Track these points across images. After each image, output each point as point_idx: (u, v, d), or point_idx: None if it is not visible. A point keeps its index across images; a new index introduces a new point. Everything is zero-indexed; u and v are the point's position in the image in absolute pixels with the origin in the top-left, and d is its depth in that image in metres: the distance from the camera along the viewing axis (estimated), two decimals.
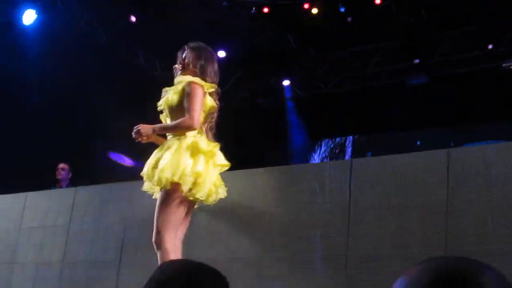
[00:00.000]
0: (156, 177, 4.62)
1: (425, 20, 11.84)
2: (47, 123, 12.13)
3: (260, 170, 5.54)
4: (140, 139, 4.86)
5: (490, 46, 11.99)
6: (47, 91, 11.99)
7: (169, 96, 4.88)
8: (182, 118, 4.74)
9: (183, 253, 4.67)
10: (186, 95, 4.77)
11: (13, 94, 11.70)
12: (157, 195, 4.75)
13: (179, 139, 4.76)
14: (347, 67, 13.95)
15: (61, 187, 9.83)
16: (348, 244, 4.74)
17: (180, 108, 4.78)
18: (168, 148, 4.73)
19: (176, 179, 4.56)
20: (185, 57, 5.04)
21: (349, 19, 11.74)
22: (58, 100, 12.18)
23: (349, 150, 14.29)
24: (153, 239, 4.59)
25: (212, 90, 4.94)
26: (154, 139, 4.97)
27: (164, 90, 5.03)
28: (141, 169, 4.84)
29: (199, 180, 4.65)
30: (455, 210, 4.40)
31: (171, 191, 4.60)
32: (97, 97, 12.32)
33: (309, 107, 14.34)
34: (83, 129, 12.40)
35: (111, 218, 6.07)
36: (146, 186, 4.88)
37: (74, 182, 9.81)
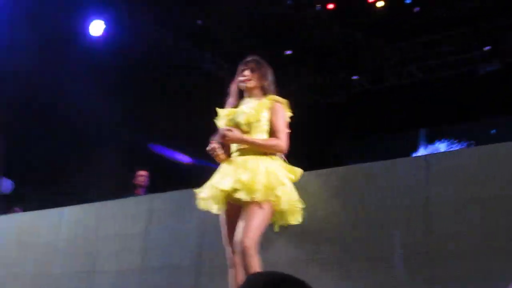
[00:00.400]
0: (259, 190, 4.70)
1: (492, 6, 11.56)
2: (119, 132, 12.34)
3: (334, 169, 5.47)
4: (223, 140, 4.95)
5: None
6: (117, 101, 12.17)
7: (251, 111, 4.94)
8: (274, 139, 4.91)
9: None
10: (274, 113, 4.95)
11: (89, 105, 11.90)
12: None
13: (270, 157, 4.91)
14: (416, 58, 13.76)
15: (139, 194, 9.89)
16: (429, 242, 4.64)
17: (260, 126, 4.92)
18: (258, 164, 4.81)
19: (280, 194, 4.77)
20: (254, 72, 5.09)
21: (416, 9, 11.55)
22: (129, 109, 12.38)
23: (422, 142, 14.07)
24: (246, 242, 4.61)
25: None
26: (228, 149, 5.05)
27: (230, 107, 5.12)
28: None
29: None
30: None
31: (268, 207, 4.76)
32: (165, 104, 12.45)
33: (379, 100, 14.18)
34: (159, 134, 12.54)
35: (188, 225, 6.08)
36: (240, 195, 4.77)
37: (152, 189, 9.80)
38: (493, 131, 13.35)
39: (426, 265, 4.59)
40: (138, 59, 12.33)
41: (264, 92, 5.08)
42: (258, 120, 4.91)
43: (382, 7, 11.71)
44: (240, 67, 5.16)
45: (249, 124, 4.92)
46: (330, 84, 14.61)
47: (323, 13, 12.32)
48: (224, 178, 4.84)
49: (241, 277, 4.71)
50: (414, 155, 13.52)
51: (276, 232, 5.09)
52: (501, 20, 11.90)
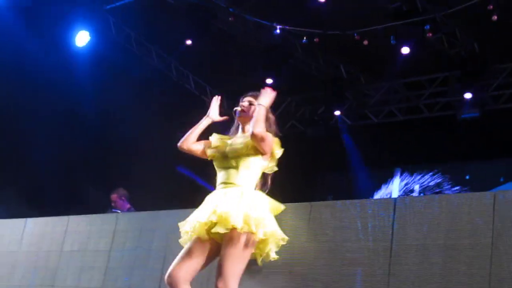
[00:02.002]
0: (237, 222, 4.52)
1: (478, 53, 11.68)
2: (98, 145, 12.31)
3: (305, 204, 5.47)
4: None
5: None
6: (102, 112, 12.17)
7: (240, 146, 4.86)
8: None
9: None
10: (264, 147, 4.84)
11: (68, 113, 11.89)
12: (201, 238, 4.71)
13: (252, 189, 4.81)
14: (398, 98, 13.85)
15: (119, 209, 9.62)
16: (390, 284, 4.64)
17: (247, 162, 4.81)
18: (239, 194, 4.69)
19: (261, 225, 4.62)
20: (251, 105, 5.01)
21: (402, 50, 11.62)
22: (110, 121, 12.36)
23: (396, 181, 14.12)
24: (220, 285, 4.45)
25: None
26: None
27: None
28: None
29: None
30: (500, 254, 4.28)
31: (248, 239, 4.57)
32: (145, 120, 12.44)
33: (359, 137, 14.23)
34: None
35: (154, 245, 6.05)
36: (216, 228, 4.59)
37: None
38: (467, 177, 13.41)
39: None
40: (120, 72, 12.32)
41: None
42: (246, 156, 4.81)
43: (368, 45, 11.75)
44: (241, 98, 5.10)
45: (236, 159, 4.82)
46: (310, 117, 14.64)
47: (309, 45, 12.36)
48: (204, 211, 4.71)
49: None
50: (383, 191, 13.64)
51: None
52: (484, 69, 11.99)
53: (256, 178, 4.88)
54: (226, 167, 4.86)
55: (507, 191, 4.44)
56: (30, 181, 12.02)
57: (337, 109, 13.98)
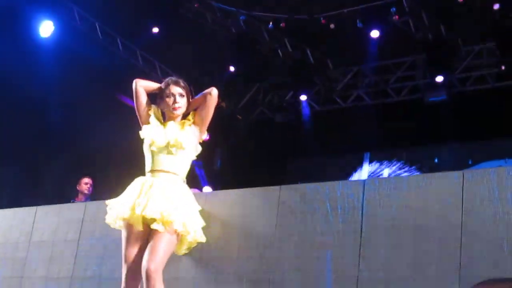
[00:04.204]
0: (175, 224, 4.87)
1: (444, 36, 11.72)
2: (65, 135, 12.19)
3: (274, 188, 5.45)
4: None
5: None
6: (68, 103, 12.04)
7: (180, 136, 5.10)
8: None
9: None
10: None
11: (31, 104, 11.74)
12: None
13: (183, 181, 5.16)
14: (365, 82, 13.88)
15: (80, 200, 9.68)
16: (360, 266, 4.65)
17: (185, 150, 5.12)
18: (177, 193, 5.01)
19: (190, 227, 5.00)
20: (185, 99, 5.23)
21: (369, 34, 11.64)
22: (75, 112, 12.24)
23: (365, 165, 14.15)
24: (152, 267, 4.66)
25: None
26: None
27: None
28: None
29: None
30: (470, 234, 4.30)
31: (177, 235, 4.93)
32: (110, 110, 12.33)
33: (326, 122, 14.23)
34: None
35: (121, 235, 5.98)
36: (157, 226, 4.86)
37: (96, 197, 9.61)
38: (436, 160, 13.49)
39: None
40: (85, 64, 12.18)
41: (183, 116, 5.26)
42: (183, 146, 5.06)
43: (334, 29, 11.75)
44: (172, 87, 5.20)
45: (177, 149, 5.06)
46: (279, 103, 14.63)
47: (275, 31, 12.34)
48: (142, 203, 4.89)
49: None
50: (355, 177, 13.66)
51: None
52: (451, 52, 12.05)
53: (189, 164, 5.18)
54: (165, 153, 5.09)
55: (475, 170, 4.47)
56: None
57: (305, 94, 13.96)
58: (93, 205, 6.54)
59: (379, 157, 14.13)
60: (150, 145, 5.07)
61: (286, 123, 14.50)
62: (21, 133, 11.84)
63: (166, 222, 4.79)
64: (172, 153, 5.04)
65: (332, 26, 11.63)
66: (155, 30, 12.45)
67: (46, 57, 11.83)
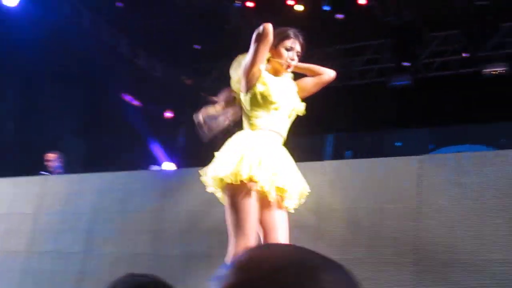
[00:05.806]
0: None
1: (410, 22, 11.79)
2: (29, 111, 12.09)
3: None
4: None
5: (466, 54, 11.97)
6: (28, 77, 11.92)
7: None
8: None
9: None
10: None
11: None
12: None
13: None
14: (331, 65, 13.90)
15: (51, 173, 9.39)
16: (318, 247, 4.66)
17: None
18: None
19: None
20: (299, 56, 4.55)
21: (336, 16, 11.66)
22: (38, 86, 12.13)
23: (328, 149, 14.19)
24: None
25: None
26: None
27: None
28: None
29: None
30: (425, 218, 4.35)
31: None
32: (75, 83, 12.24)
33: None
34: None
35: (80, 210, 5.95)
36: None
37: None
38: (399, 144, 13.61)
39: None
40: (53, 35, 12.00)
41: None
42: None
43: (301, 11, 11.73)
44: (294, 41, 4.51)
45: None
46: None
47: (244, 10, 12.29)
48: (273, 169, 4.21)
49: None
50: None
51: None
52: (418, 37, 12.12)
53: None
54: (284, 116, 4.53)
55: (433, 156, 4.52)
56: None
57: None
58: (52, 178, 6.51)
59: (341, 140, 14.19)
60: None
61: None
62: None
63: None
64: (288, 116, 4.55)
65: (299, 8, 11.62)
66: (119, 4, 12.36)
67: (13, 27, 11.60)
